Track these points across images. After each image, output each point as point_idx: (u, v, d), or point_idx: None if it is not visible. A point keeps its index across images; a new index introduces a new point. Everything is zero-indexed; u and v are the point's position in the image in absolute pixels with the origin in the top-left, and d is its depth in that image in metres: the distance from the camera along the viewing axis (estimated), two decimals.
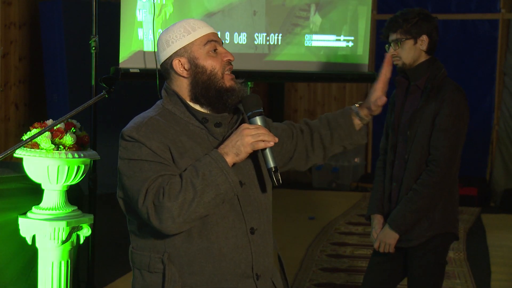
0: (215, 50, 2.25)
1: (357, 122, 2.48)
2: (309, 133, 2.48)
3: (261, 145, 2.14)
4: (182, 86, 2.26)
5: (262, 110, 2.22)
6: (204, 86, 2.23)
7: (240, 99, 2.25)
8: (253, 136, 2.13)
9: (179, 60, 2.25)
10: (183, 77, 2.25)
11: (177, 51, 2.25)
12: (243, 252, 2.21)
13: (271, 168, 2.18)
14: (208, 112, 2.26)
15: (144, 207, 2.12)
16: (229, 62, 2.26)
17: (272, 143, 2.15)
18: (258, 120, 2.20)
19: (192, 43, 2.24)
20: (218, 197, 2.11)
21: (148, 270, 2.24)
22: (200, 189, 2.09)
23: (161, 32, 2.33)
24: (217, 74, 2.23)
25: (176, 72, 2.26)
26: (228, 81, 2.24)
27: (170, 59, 2.26)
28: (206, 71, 2.23)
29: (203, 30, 2.25)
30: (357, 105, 2.50)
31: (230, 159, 2.13)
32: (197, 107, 2.26)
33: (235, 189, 2.13)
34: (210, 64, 2.23)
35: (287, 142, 2.45)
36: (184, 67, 2.24)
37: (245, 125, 2.17)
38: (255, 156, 2.28)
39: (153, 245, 2.23)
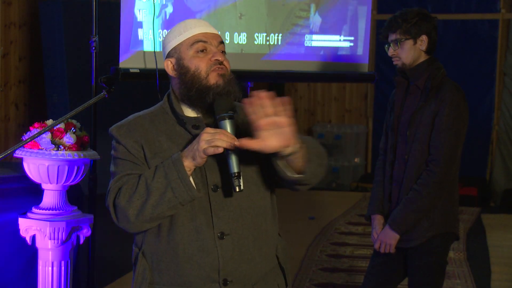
0: (203, 50, 2.23)
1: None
2: None
3: (210, 151, 2.08)
4: (175, 86, 2.29)
5: (231, 113, 2.15)
6: (187, 86, 2.23)
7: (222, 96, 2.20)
8: (207, 141, 2.07)
9: (170, 61, 2.27)
10: (173, 77, 2.28)
11: (169, 52, 2.28)
12: (209, 256, 2.17)
13: (232, 173, 2.11)
14: (197, 112, 2.26)
15: (107, 205, 2.19)
16: (218, 62, 2.22)
17: (221, 150, 2.08)
18: (226, 124, 2.14)
19: (180, 44, 2.25)
20: (173, 200, 2.10)
21: (133, 264, 2.30)
22: (154, 191, 2.10)
23: None
24: (201, 73, 2.21)
25: (168, 73, 2.29)
26: (213, 78, 2.20)
27: (165, 59, 2.29)
28: (190, 71, 2.22)
29: (193, 30, 2.25)
30: None
31: (187, 163, 2.11)
32: (185, 107, 2.27)
33: (191, 194, 2.11)
34: (194, 64, 2.22)
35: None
36: (174, 68, 2.27)
37: (206, 129, 2.12)
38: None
39: (136, 240, 2.29)
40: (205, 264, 2.17)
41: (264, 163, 2.25)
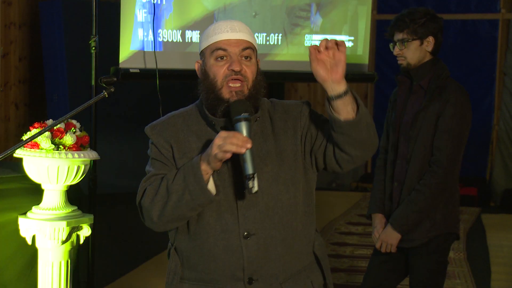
0: (222, 57, 2.21)
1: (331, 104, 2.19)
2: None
3: (220, 156, 2.07)
4: (200, 88, 2.30)
5: (247, 115, 2.14)
6: (207, 92, 2.24)
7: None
8: (218, 146, 2.06)
9: (198, 63, 2.30)
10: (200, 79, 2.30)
11: (200, 53, 2.30)
12: (234, 256, 2.20)
13: (246, 175, 2.09)
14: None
15: (137, 204, 2.24)
16: (234, 72, 2.20)
17: (229, 155, 2.06)
18: (242, 126, 2.13)
19: (206, 48, 2.26)
20: (190, 203, 2.13)
21: (168, 258, 2.36)
22: (173, 193, 2.13)
23: None
24: (217, 83, 2.21)
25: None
26: (226, 93, 2.20)
27: (197, 60, 2.33)
28: (209, 78, 2.23)
29: (219, 36, 2.22)
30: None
31: (204, 167, 2.11)
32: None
33: (207, 197, 2.12)
34: (212, 72, 2.22)
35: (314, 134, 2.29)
36: (200, 70, 2.29)
37: (220, 133, 2.09)
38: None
39: (170, 236, 2.34)
40: (230, 263, 2.20)
41: (300, 156, 2.25)
